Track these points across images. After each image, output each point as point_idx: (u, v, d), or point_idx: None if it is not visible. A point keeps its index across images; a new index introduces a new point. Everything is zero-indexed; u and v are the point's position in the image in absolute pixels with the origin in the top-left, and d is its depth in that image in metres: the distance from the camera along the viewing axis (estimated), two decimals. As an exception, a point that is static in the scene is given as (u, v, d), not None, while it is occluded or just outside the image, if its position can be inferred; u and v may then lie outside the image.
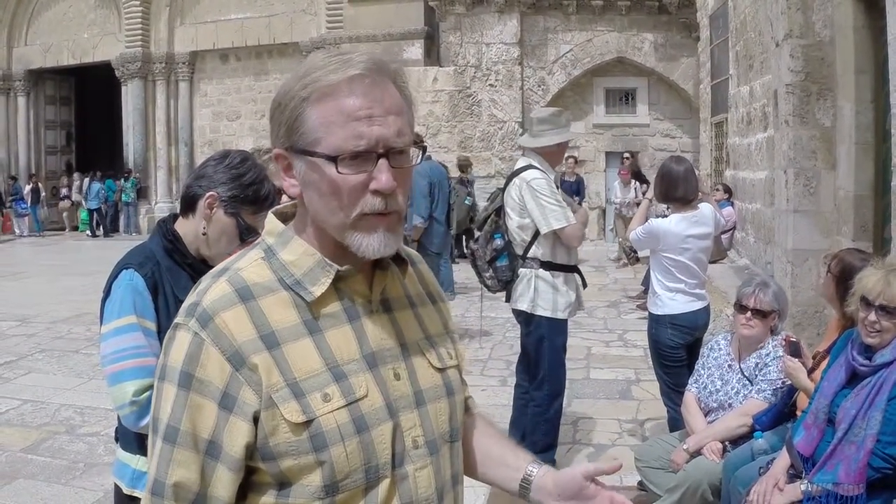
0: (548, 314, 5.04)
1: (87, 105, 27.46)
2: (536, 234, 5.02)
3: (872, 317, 3.31)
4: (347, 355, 1.38)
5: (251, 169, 2.54)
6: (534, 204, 4.94)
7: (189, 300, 1.39)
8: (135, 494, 2.47)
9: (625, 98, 19.70)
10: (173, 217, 2.63)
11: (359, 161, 1.32)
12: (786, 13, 6.97)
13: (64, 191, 25.60)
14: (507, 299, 5.21)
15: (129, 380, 2.33)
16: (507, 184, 5.22)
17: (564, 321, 5.15)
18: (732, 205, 12.04)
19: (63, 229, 25.51)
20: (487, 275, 5.17)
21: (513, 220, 5.09)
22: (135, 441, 2.46)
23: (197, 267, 2.50)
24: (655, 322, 5.04)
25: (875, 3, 6.16)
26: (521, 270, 5.07)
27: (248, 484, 1.37)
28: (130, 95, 23.78)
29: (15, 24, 25.38)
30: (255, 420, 1.31)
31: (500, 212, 5.23)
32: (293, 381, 1.32)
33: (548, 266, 5.04)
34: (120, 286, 2.43)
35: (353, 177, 1.33)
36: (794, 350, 4.00)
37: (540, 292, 5.02)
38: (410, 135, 1.39)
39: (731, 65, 12.35)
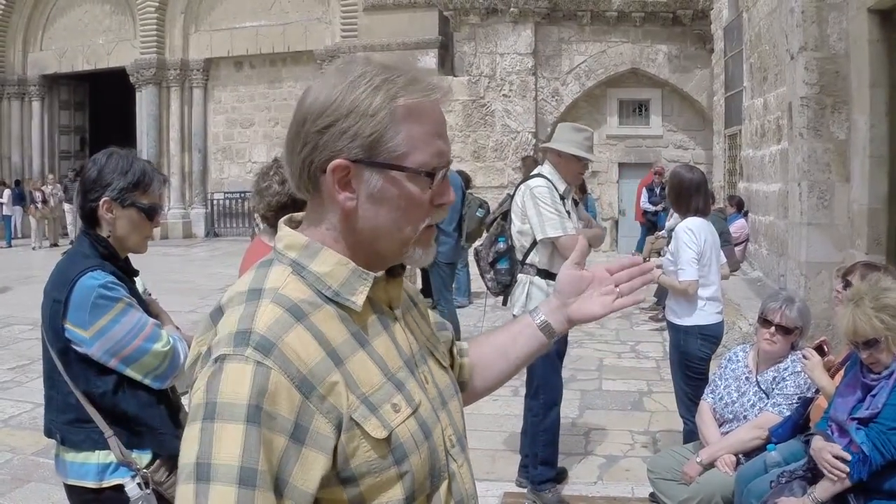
0: None
1: (101, 110, 27.61)
2: (535, 241, 5.00)
3: (864, 356, 3.33)
4: (395, 363, 1.36)
5: (123, 158, 2.66)
6: (533, 211, 4.92)
7: (225, 330, 1.26)
8: (109, 484, 2.52)
9: (638, 109, 19.69)
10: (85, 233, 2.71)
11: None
12: (801, 26, 6.97)
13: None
14: (504, 303, 5.26)
15: (153, 342, 2.53)
16: (515, 190, 5.26)
17: None
18: (745, 216, 12.01)
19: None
20: (488, 276, 5.23)
21: (515, 226, 5.10)
22: (87, 439, 2.54)
23: (128, 269, 2.71)
24: (684, 333, 4.90)
25: (890, 17, 6.17)
26: (519, 276, 5.08)
27: None
28: (145, 101, 23.94)
29: (30, 29, 25.57)
30: (333, 450, 1.23)
31: (506, 216, 5.26)
32: (363, 397, 1.27)
33: (544, 274, 4.97)
34: (92, 288, 2.49)
35: (430, 192, 1.36)
36: (817, 349, 4.00)
37: (532, 299, 4.91)
38: None
39: (745, 77, 12.35)
